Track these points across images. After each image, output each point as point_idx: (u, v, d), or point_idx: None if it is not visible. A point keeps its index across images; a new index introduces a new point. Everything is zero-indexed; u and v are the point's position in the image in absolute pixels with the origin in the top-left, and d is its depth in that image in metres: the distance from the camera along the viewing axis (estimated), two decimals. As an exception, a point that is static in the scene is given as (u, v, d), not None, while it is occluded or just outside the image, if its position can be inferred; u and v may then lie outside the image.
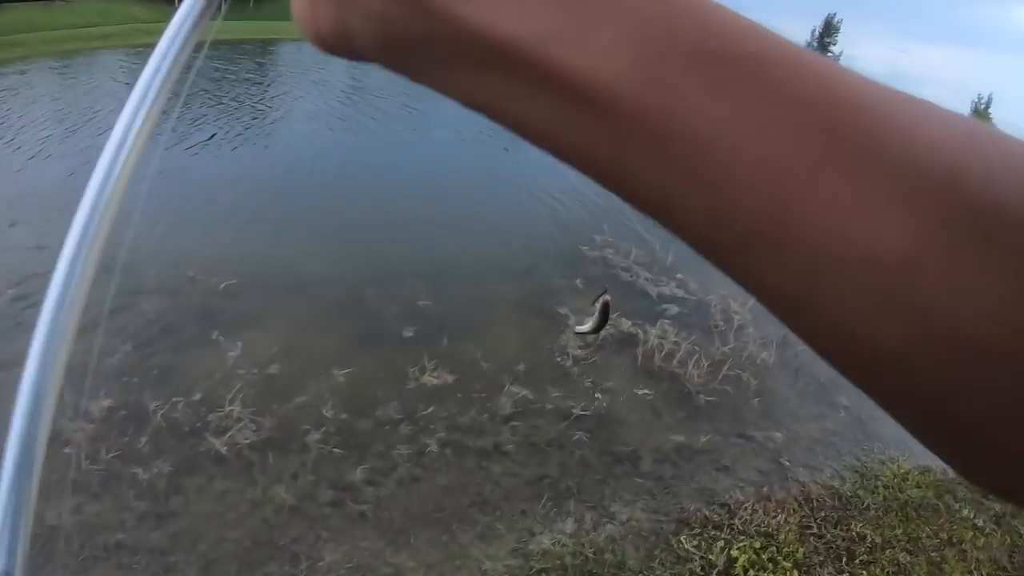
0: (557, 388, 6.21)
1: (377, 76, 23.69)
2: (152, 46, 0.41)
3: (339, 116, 16.10)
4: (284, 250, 8.17)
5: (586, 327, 4.12)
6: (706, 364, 6.66)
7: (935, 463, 6.20)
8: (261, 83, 18.91)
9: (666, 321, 7.57)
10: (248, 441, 4.90)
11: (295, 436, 5.05)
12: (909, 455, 6.25)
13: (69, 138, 12.21)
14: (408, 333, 6.73)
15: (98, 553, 3.96)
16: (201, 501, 4.37)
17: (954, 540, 5.15)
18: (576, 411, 5.90)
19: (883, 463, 5.99)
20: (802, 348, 6.97)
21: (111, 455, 4.60)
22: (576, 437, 5.61)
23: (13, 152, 11.20)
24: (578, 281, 8.34)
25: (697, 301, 8.25)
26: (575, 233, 10.05)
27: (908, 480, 5.76)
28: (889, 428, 6.60)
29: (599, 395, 6.20)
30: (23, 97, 15.30)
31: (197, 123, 13.19)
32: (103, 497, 4.31)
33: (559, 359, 6.64)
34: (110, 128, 0.39)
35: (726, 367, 6.69)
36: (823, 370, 7.18)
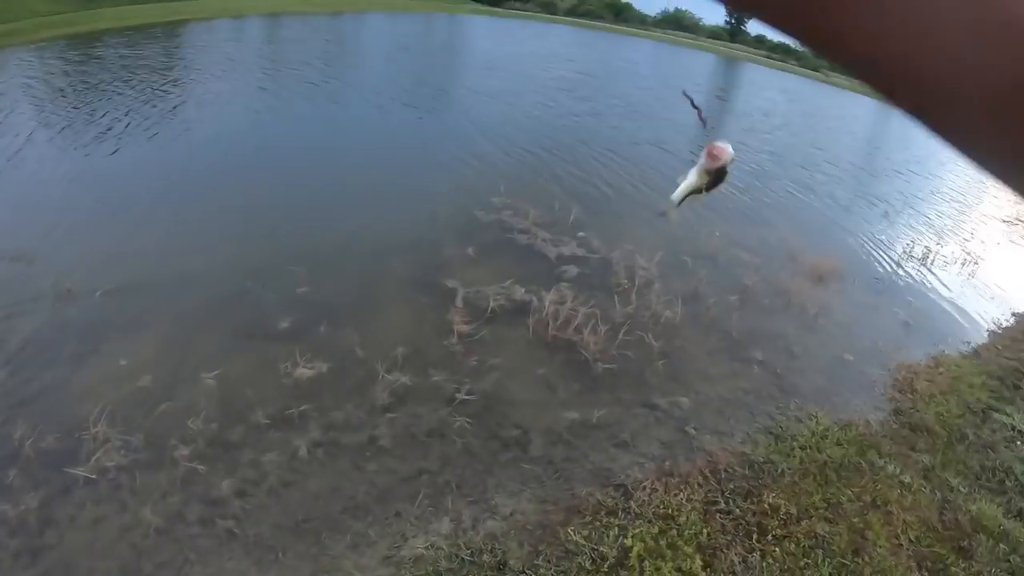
0: (440, 371, 5.54)
1: (291, 54, 22.77)
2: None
3: (245, 100, 14.95)
4: (169, 246, 7.33)
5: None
6: (604, 329, 6.01)
7: (857, 416, 5.68)
8: (162, 68, 17.64)
9: (564, 285, 6.93)
10: (114, 464, 4.36)
11: (164, 452, 4.50)
12: (829, 409, 5.73)
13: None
14: (284, 324, 6.00)
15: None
16: (73, 531, 3.97)
17: (878, 502, 4.61)
18: (460, 395, 5.26)
19: (800, 421, 5.44)
20: (713, 301, 6.49)
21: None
22: (458, 424, 4.96)
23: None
24: (470, 249, 7.65)
25: (599, 260, 7.66)
26: (470, 197, 9.34)
27: (827, 438, 5.21)
28: (807, 380, 6.08)
29: (484, 374, 5.51)
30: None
31: (94, 119, 11.96)
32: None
33: (443, 338, 5.95)
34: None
35: (624, 330, 6.04)
36: (736, 323, 6.63)
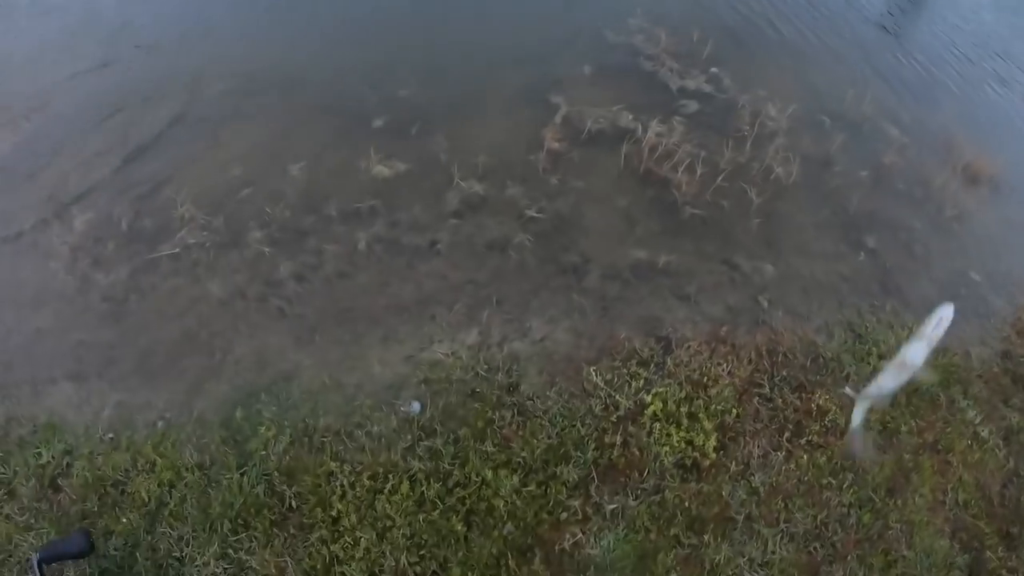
0: (518, 185, 5.28)
1: None
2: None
3: None
4: (290, 43, 7.36)
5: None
6: (703, 171, 5.39)
7: (957, 344, 4.99)
8: None
9: (678, 119, 6.24)
10: (195, 241, 4.79)
11: (240, 234, 4.88)
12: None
13: None
14: (378, 123, 5.94)
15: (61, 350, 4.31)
16: (152, 298, 4.48)
17: (940, 446, 4.10)
18: (531, 211, 4.95)
19: (891, 327, 4.81)
20: (840, 170, 5.71)
21: (85, 263, 4.78)
22: (519, 240, 4.74)
23: None
24: (586, 68, 7.01)
25: (726, 100, 6.85)
26: (604, 13, 8.48)
27: (913, 352, 4.57)
28: (917, 285, 5.37)
29: (563, 195, 5.14)
30: None
31: None
32: (75, 301, 4.55)
33: (531, 153, 5.59)
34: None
35: (725, 176, 5.41)
36: (858, 201, 5.89)
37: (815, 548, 3.63)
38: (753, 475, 3.71)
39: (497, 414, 3.85)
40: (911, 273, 5.55)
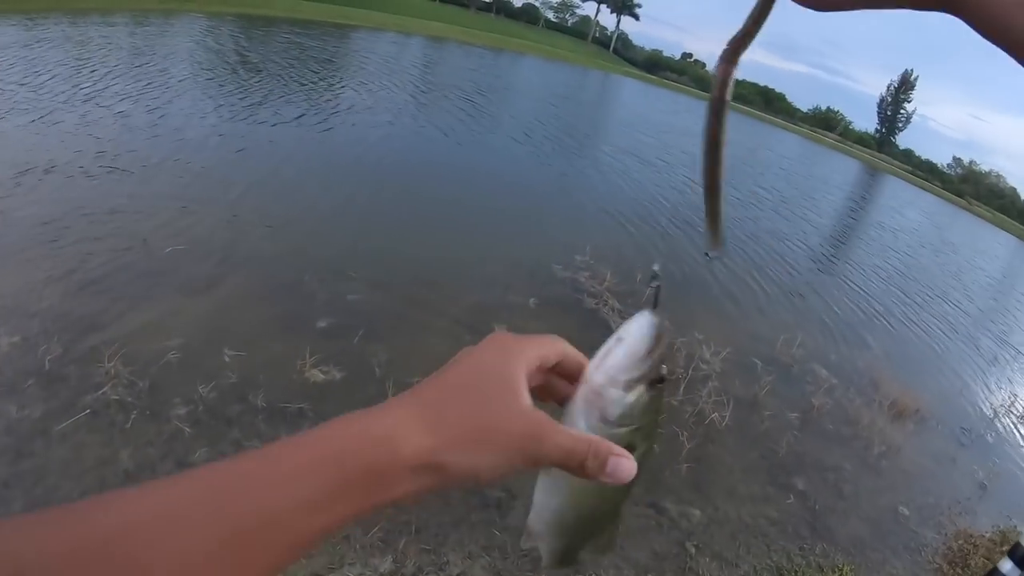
0: None
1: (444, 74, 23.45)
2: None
3: (392, 109, 15.98)
4: (256, 222, 7.88)
5: None
6: (636, 415, 5.60)
7: (890, 578, 5.08)
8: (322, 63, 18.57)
9: (614, 360, 6.55)
10: (117, 399, 4.66)
11: (163, 406, 4.73)
12: (861, 564, 5.14)
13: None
14: (322, 324, 6.16)
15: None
16: (58, 447, 4.27)
17: None
18: None
19: (821, 570, 4.87)
20: (770, 414, 6.00)
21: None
22: None
23: None
24: (532, 300, 7.43)
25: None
26: (555, 249, 9.14)
27: (846, 598, 4.63)
28: (847, 525, 5.51)
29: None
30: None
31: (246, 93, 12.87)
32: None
33: None
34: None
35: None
36: (787, 443, 6.13)
37: None
38: None
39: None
40: (840, 513, 5.69)
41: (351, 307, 6.48)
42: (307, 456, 0.53)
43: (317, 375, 5.34)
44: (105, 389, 4.67)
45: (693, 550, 4.61)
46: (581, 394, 0.71)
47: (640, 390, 0.72)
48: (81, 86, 11.82)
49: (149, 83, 12.61)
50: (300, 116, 12.95)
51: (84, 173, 8.04)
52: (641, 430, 0.72)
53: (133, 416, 4.51)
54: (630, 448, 0.69)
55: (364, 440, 0.55)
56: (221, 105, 12.31)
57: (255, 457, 0.52)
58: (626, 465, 0.65)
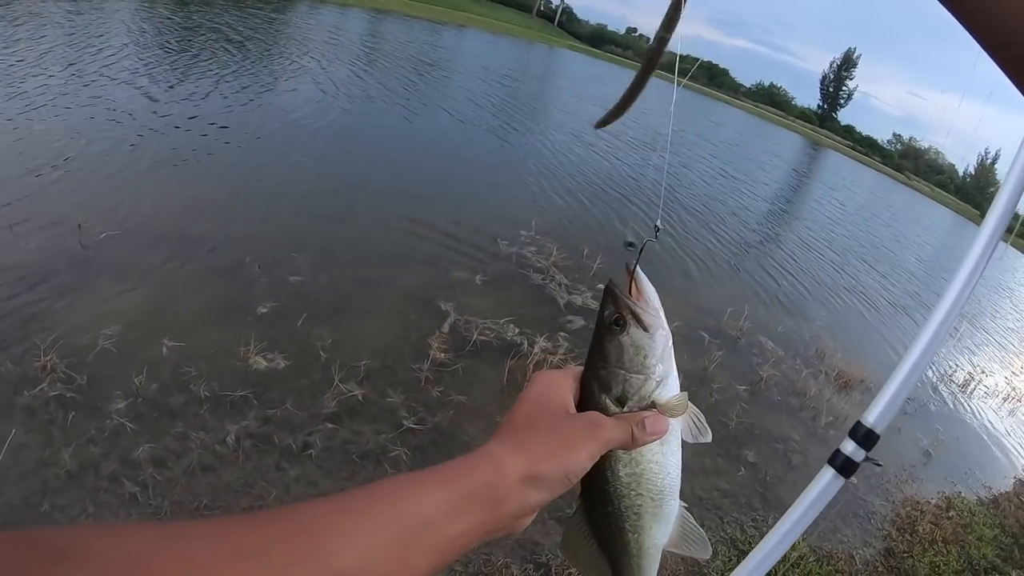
0: (399, 393, 5.17)
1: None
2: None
3: (330, 85, 15.53)
4: (193, 206, 7.47)
5: None
6: (585, 390, 5.52)
7: (841, 548, 5.09)
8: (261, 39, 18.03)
9: (564, 334, 6.47)
10: (56, 395, 4.39)
11: (102, 400, 4.47)
12: (811, 532, 5.12)
13: None
14: (263, 309, 5.81)
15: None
16: None
17: None
18: (410, 422, 4.83)
19: (774, 540, 4.83)
20: (718, 387, 5.94)
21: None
22: (395, 453, 4.56)
23: None
24: (478, 278, 7.27)
25: (609, 317, 7.12)
26: (499, 223, 8.98)
27: (799, 567, 4.62)
28: (797, 495, 5.46)
29: (443, 408, 5.09)
30: None
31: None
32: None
33: (415, 362, 5.56)
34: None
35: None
36: (737, 416, 6.11)
37: None
38: None
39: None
40: (791, 483, 5.68)
41: (293, 290, 6.20)
42: (439, 474, 0.63)
43: (260, 362, 5.12)
44: (43, 386, 4.43)
45: (647, 526, 4.55)
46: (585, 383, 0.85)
47: (617, 344, 0.83)
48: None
49: (73, 63, 11.99)
50: (235, 93, 12.49)
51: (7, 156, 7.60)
52: (642, 379, 0.83)
53: (72, 414, 4.28)
54: (651, 404, 0.83)
55: (478, 461, 0.67)
56: (154, 82, 11.77)
57: (400, 477, 0.62)
58: (655, 420, 0.81)
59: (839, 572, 4.78)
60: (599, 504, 0.87)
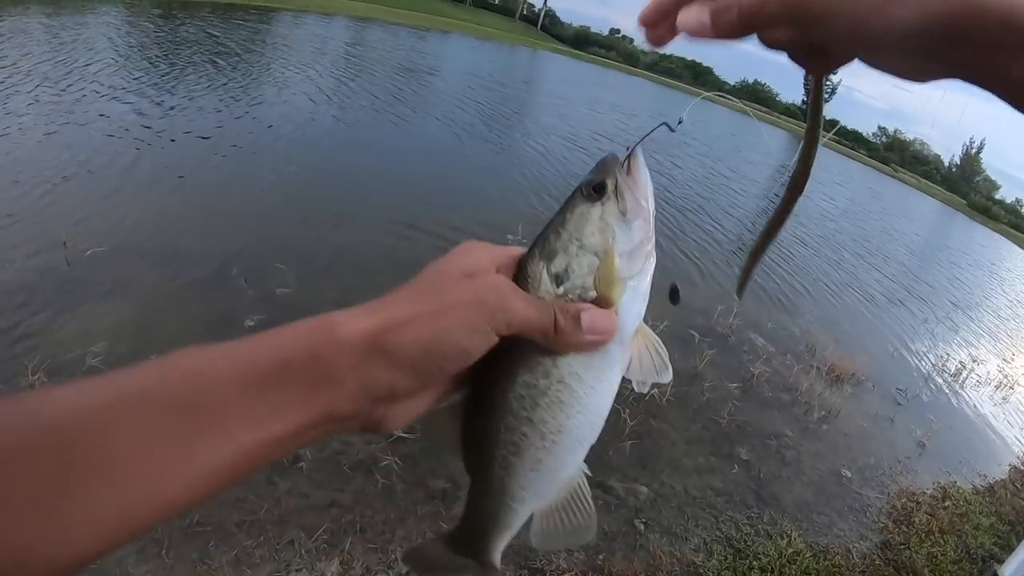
0: None
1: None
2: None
3: (314, 95, 15.42)
4: (178, 219, 7.40)
5: None
6: (577, 395, 5.50)
7: (837, 542, 5.08)
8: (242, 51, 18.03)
9: (553, 338, 6.44)
10: None
11: None
12: (808, 528, 5.14)
13: None
14: (250, 322, 5.71)
15: None
16: None
17: None
18: (399, 431, 4.76)
19: (770, 537, 4.84)
20: (710, 385, 5.93)
21: None
22: (386, 463, 4.52)
23: None
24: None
25: (598, 319, 7.10)
26: (487, 231, 8.98)
27: (795, 563, 4.61)
28: (791, 491, 5.49)
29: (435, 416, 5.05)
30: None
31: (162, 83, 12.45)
32: None
33: None
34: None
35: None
36: (729, 413, 6.10)
37: None
38: None
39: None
40: (785, 479, 5.68)
41: (281, 301, 6.13)
42: (247, 345, 0.49)
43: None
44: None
45: (642, 527, 4.53)
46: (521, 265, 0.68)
47: (584, 211, 0.68)
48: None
49: (52, 80, 11.94)
50: (219, 105, 12.46)
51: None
52: (605, 272, 0.65)
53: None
54: (604, 303, 0.65)
55: (304, 325, 0.51)
56: (138, 96, 11.69)
57: (199, 349, 0.49)
58: (601, 317, 0.62)
59: (836, 567, 4.77)
60: (475, 410, 0.70)
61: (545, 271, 0.65)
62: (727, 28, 0.58)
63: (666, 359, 0.73)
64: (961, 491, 6.51)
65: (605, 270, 0.65)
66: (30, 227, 6.41)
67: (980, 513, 6.16)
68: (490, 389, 0.66)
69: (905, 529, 5.54)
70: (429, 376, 0.54)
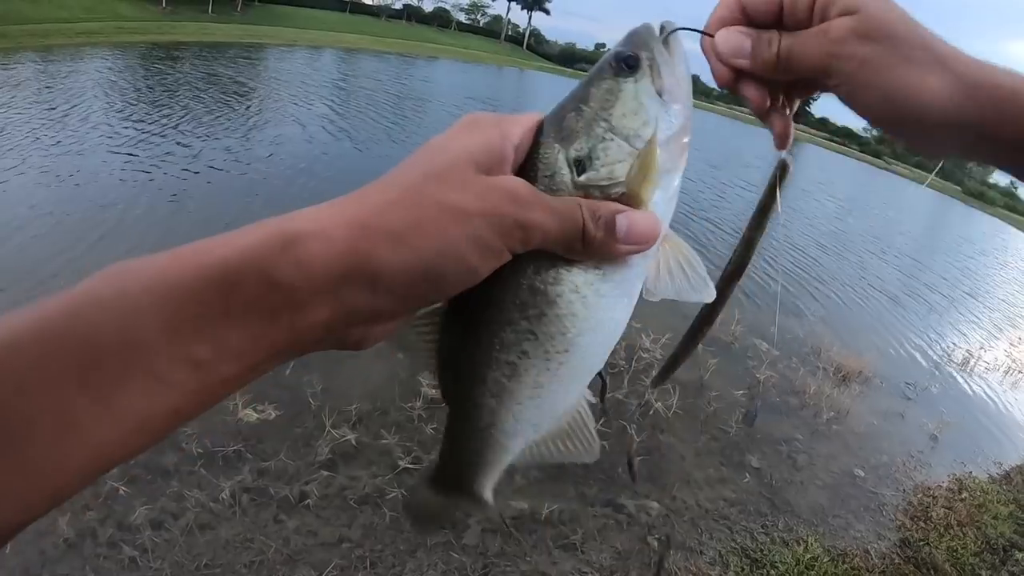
0: (393, 434, 5.11)
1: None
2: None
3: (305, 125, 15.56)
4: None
5: None
6: (584, 414, 5.47)
7: (855, 545, 5.03)
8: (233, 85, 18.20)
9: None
10: None
11: None
12: (824, 532, 5.09)
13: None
14: None
15: None
16: None
17: None
18: (405, 462, 4.77)
19: (786, 544, 4.79)
20: (716, 394, 5.91)
21: None
22: (393, 495, 4.48)
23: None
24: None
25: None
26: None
27: (814, 568, 4.56)
28: (805, 496, 5.45)
29: (439, 445, 5.02)
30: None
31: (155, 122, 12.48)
32: None
33: (407, 400, 5.51)
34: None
35: (603, 420, 5.50)
36: (738, 421, 6.07)
37: None
38: None
39: None
40: (798, 484, 5.63)
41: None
42: (179, 259, 0.40)
43: (251, 414, 5.04)
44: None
45: (656, 544, 4.49)
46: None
47: (613, 86, 0.57)
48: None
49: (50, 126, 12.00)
50: (208, 139, 12.52)
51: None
52: (643, 162, 0.55)
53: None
54: (634, 201, 0.54)
55: (254, 236, 0.40)
56: (136, 140, 11.77)
57: (122, 271, 0.40)
58: (641, 220, 0.52)
59: (855, 569, 4.72)
60: (462, 321, 0.58)
61: (562, 155, 0.54)
62: (762, 62, 0.58)
63: (703, 272, 0.65)
64: (977, 481, 6.45)
65: (643, 160, 0.55)
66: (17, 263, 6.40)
67: (998, 502, 6.10)
68: (483, 295, 0.53)
69: (923, 525, 5.49)
70: (423, 300, 0.47)
